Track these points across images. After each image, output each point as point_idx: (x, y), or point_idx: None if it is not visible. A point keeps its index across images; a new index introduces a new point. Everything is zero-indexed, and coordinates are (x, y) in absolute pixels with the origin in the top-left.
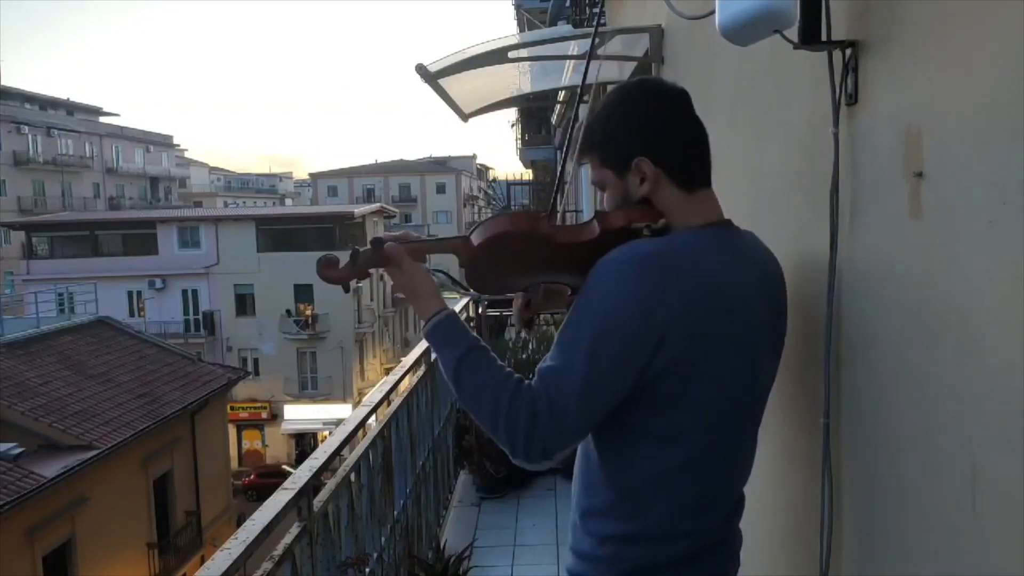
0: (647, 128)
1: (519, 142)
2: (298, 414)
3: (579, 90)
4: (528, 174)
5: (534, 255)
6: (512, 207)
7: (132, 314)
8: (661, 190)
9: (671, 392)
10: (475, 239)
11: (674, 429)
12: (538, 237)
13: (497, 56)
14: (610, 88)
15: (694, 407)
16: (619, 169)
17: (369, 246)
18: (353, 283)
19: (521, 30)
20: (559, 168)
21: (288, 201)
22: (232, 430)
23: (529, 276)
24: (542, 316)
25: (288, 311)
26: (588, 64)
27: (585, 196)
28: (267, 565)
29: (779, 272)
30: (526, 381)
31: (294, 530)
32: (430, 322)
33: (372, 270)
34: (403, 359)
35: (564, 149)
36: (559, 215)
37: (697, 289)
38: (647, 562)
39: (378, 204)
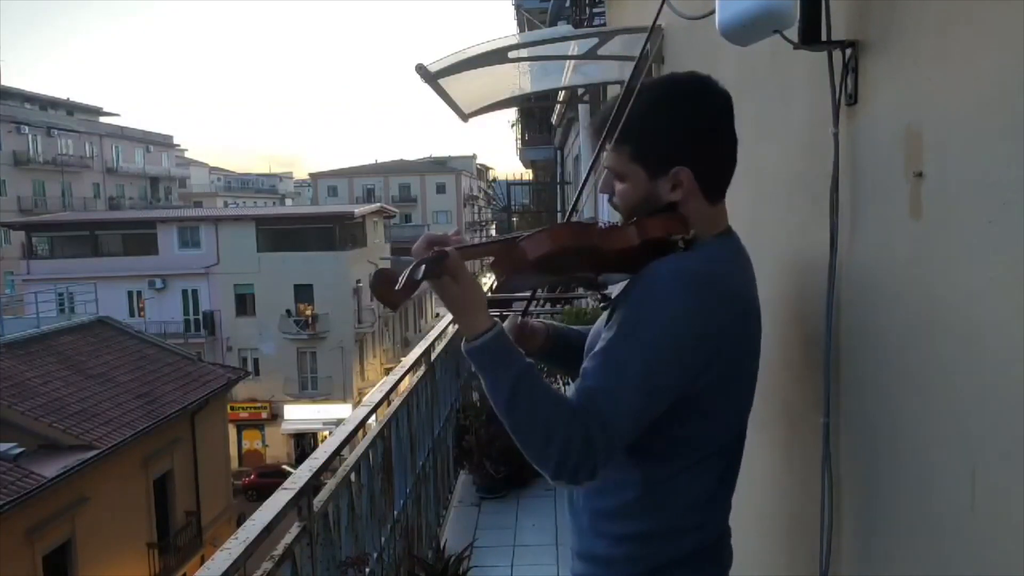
0: (697, 138)
1: (519, 142)
2: (298, 414)
3: (579, 90)
4: (528, 174)
5: (578, 262)
6: (512, 207)
7: (132, 314)
8: (691, 201)
9: (711, 402)
10: (530, 252)
11: (703, 432)
12: (589, 248)
13: (497, 56)
14: (651, 78)
15: (725, 413)
16: (653, 171)
17: (431, 258)
18: (354, 280)
19: (521, 30)
20: (589, 164)
21: (288, 201)
22: (232, 430)
23: (562, 277)
24: (541, 317)
25: (288, 311)
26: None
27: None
28: (267, 565)
29: None
30: (574, 402)
31: (294, 530)
32: (481, 339)
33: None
34: (403, 359)
35: (602, 135)
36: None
37: (739, 305)
38: (664, 559)
39: (378, 204)
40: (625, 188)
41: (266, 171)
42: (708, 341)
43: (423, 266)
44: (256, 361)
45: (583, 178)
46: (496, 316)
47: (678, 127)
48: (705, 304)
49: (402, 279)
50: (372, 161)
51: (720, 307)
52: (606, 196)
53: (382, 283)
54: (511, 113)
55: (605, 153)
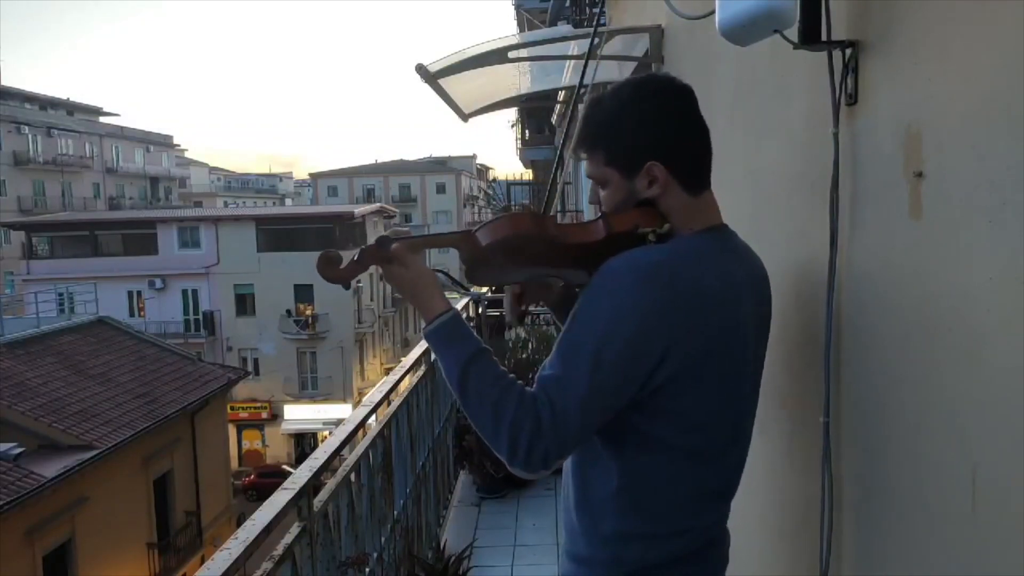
0: (661, 131)
1: (519, 142)
2: (298, 414)
3: (578, 90)
4: (528, 174)
5: (538, 254)
6: (512, 207)
7: (132, 314)
8: (669, 194)
9: (672, 400)
10: (482, 239)
11: (673, 434)
12: (544, 239)
13: (497, 56)
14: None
15: (687, 414)
16: (627, 170)
17: (375, 243)
18: (354, 281)
19: (521, 30)
20: (554, 168)
21: (288, 201)
22: (232, 430)
23: (530, 272)
24: (541, 316)
25: (288, 311)
26: (586, 64)
27: (585, 196)
28: (267, 565)
29: (765, 272)
30: (528, 389)
31: (294, 530)
32: (435, 322)
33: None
34: (403, 359)
35: (561, 146)
36: (556, 215)
37: (702, 303)
38: (648, 561)
39: (378, 204)
40: (607, 194)
41: (266, 171)
42: (661, 329)
43: (364, 248)
44: (256, 361)
45: (551, 178)
46: (497, 315)
47: (641, 123)
48: (657, 291)
49: (348, 261)
50: (372, 161)
51: (676, 297)
52: (596, 207)
53: (325, 263)
54: (511, 113)
55: (585, 165)
